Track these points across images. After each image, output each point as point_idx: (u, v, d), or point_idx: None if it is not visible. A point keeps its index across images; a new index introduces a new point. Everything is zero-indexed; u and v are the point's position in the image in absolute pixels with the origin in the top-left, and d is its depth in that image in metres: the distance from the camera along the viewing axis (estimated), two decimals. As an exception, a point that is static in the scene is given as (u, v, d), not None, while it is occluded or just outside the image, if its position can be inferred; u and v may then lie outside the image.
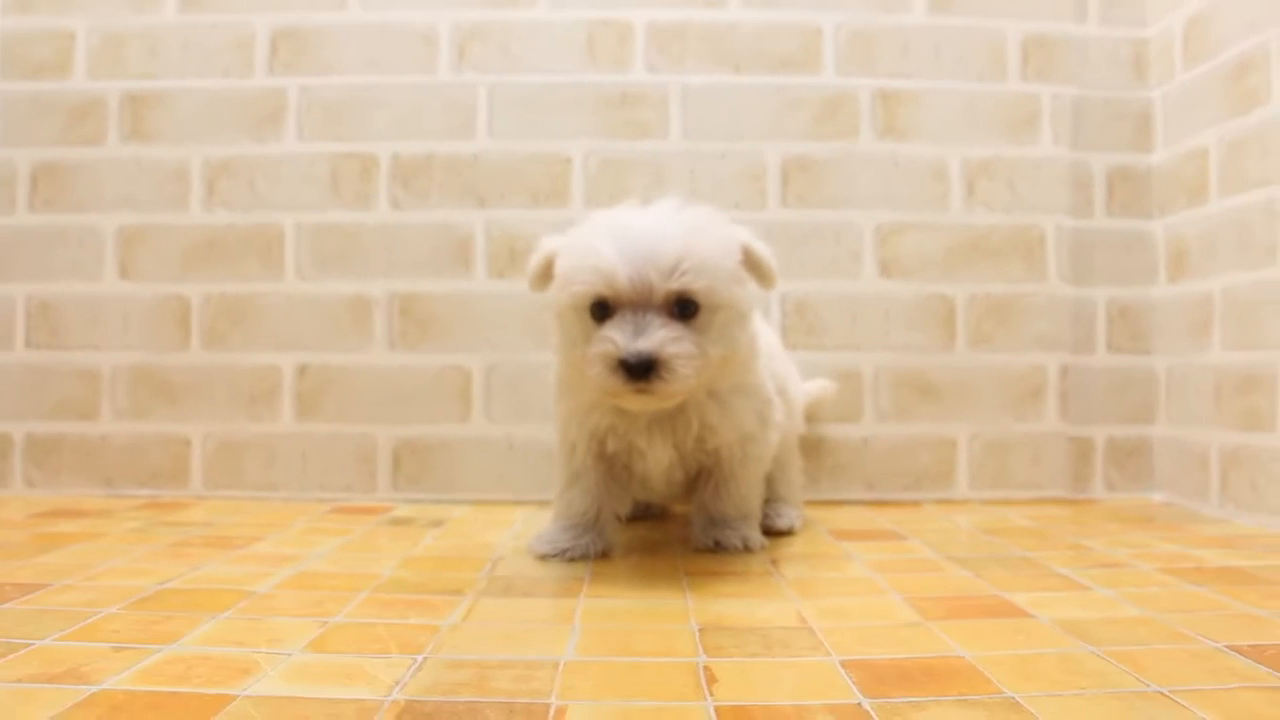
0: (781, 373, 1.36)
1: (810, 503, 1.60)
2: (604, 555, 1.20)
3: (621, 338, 1.02)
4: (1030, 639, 0.84)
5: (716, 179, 1.66)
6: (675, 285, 1.03)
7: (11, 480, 1.67)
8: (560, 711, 0.66)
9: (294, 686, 0.71)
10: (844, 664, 0.77)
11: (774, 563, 1.17)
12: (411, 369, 1.65)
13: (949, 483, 1.66)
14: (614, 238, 1.05)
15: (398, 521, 1.46)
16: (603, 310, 1.06)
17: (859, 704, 0.68)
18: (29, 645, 0.80)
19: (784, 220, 1.66)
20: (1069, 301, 1.68)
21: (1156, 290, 1.69)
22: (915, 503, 1.64)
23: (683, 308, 1.04)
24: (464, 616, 0.92)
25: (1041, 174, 1.69)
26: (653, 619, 0.92)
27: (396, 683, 0.72)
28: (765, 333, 1.34)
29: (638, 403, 1.07)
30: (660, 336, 1.02)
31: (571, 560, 1.18)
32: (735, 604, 0.98)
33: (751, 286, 1.15)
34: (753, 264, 1.13)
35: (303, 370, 1.66)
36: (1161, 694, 0.70)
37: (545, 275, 1.15)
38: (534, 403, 1.62)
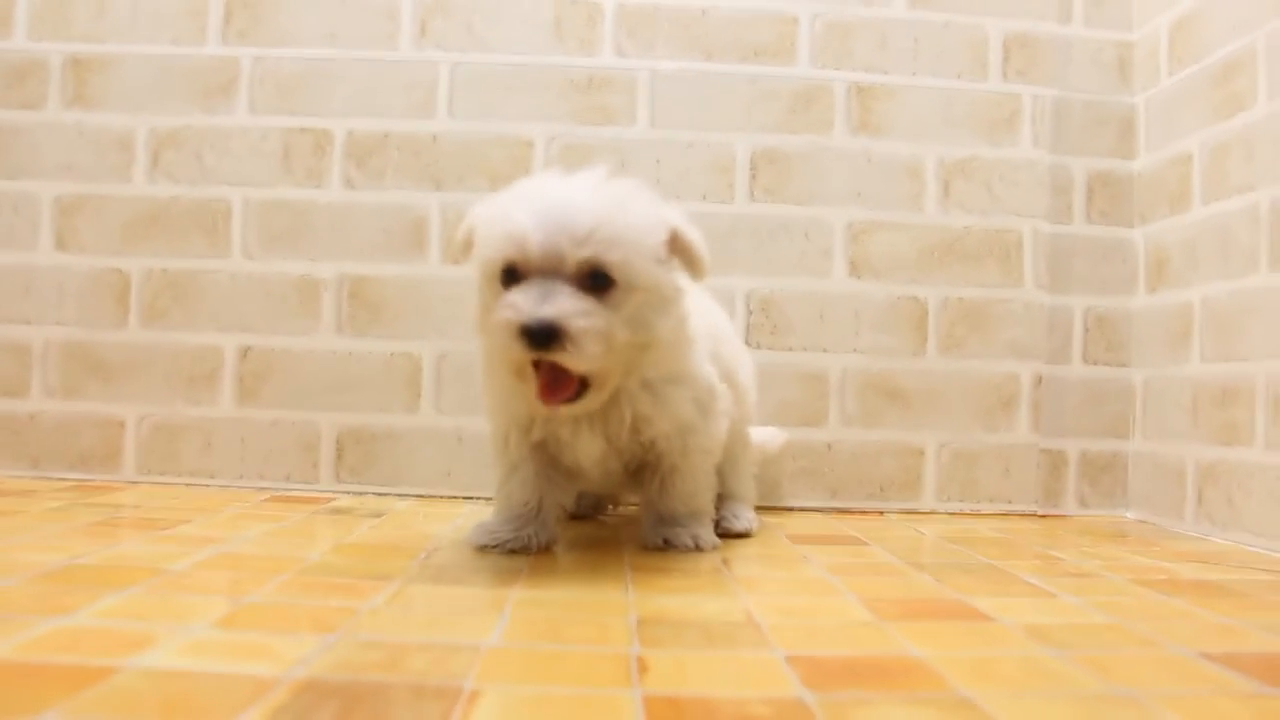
0: (729, 357, 1.27)
1: (769, 509, 1.54)
2: (546, 549, 1.13)
3: (525, 303, 0.94)
4: (989, 641, 0.79)
5: (683, 169, 1.60)
6: (587, 253, 0.95)
7: (-68, 458, 1.58)
8: (474, 695, 0.61)
9: (188, 661, 0.65)
10: (788, 659, 0.71)
11: (725, 562, 1.11)
12: (359, 355, 1.58)
13: (915, 493, 1.59)
14: (529, 203, 0.98)
15: (337, 511, 1.39)
16: (513, 278, 0.98)
17: (799, 698, 0.62)
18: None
19: (752, 214, 1.60)
20: (1045, 309, 1.63)
21: (1135, 300, 1.64)
22: (879, 512, 1.58)
23: (596, 280, 0.96)
24: (387, 601, 0.85)
25: (1020, 176, 1.63)
26: (589, 610, 0.86)
27: (300, 661, 0.66)
28: (711, 312, 1.29)
29: (548, 407, 1.01)
30: (566, 305, 0.94)
31: (511, 552, 1.11)
32: (679, 599, 0.92)
33: (681, 274, 1.07)
34: (680, 249, 1.05)
35: (245, 352, 1.58)
36: (1128, 697, 0.65)
37: (467, 247, 1.07)
38: (486, 395, 1.55)
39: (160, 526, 1.18)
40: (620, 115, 1.60)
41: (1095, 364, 1.64)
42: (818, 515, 1.54)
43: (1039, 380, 1.62)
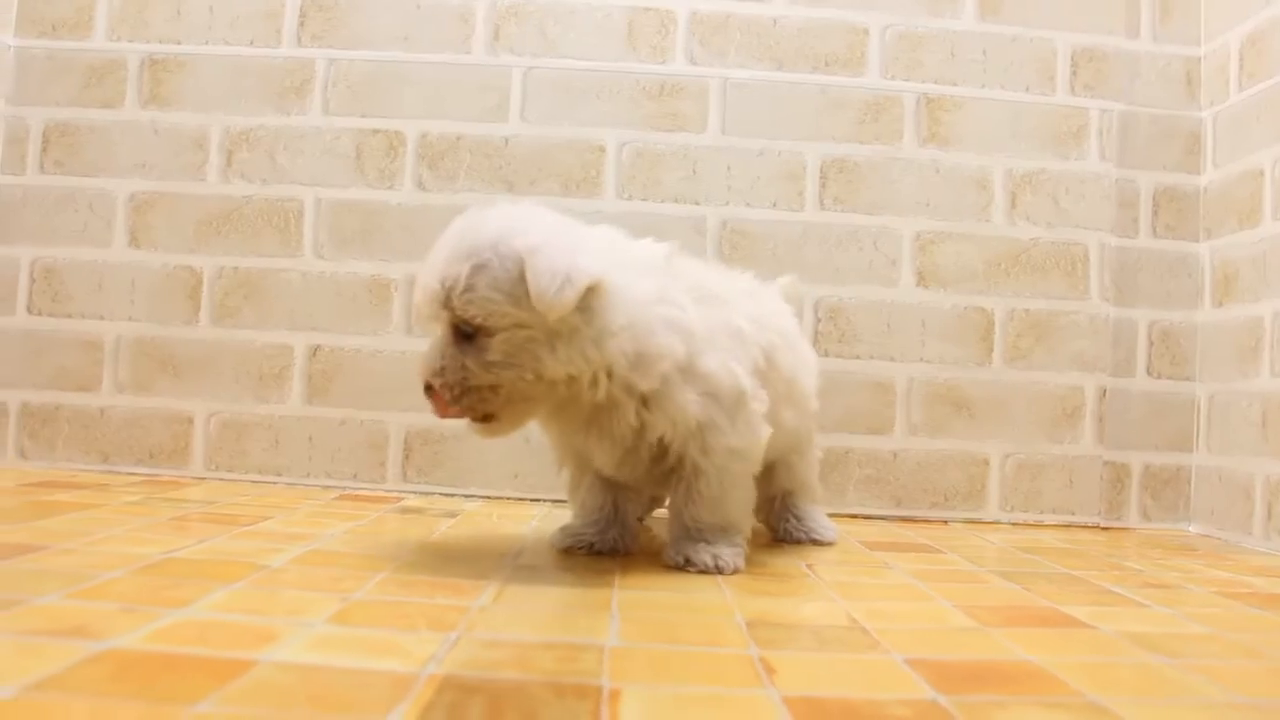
0: (787, 363, 1.19)
1: (837, 516, 1.55)
2: (627, 552, 1.14)
3: (422, 360, 1.01)
4: (1098, 649, 0.80)
5: (753, 176, 1.61)
6: (450, 314, 0.98)
7: (3, 450, 1.60)
8: (614, 693, 0.61)
9: (319, 655, 0.66)
10: (908, 662, 0.72)
11: (810, 566, 1.12)
12: (427, 356, 1.59)
13: (979, 502, 1.60)
14: (429, 256, 1.02)
15: (408, 510, 1.40)
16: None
17: (933, 700, 0.63)
18: (29, 601, 0.74)
19: (821, 222, 1.61)
20: (1110, 322, 1.63)
21: (1200, 314, 1.64)
22: (943, 521, 1.58)
23: (465, 329, 0.98)
24: (494, 600, 0.86)
25: (1087, 190, 1.64)
26: (693, 612, 0.87)
27: (430, 658, 0.67)
28: (774, 314, 1.23)
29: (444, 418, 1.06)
30: (435, 362, 0.99)
31: (596, 554, 1.12)
32: (778, 602, 0.93)
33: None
34: (528, 279, 0.96)
35: (315, 351, 1.60)
36: (1254, 707, 0.65)
37: None
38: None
39: (241, 522, 1.19)
40: (691, 122, 1.61)
41: (1159, 377, 1.64)
42: (883, 523, 1.54)
43: (1103, 393, 1.62)
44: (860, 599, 0.95)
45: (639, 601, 0.89)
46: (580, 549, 1.13)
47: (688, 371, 1.05)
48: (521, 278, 0.95)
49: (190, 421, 1.60)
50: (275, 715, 0.55)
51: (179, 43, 1.63)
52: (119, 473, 1.58)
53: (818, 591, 0.98)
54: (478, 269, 0.96)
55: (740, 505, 1.11)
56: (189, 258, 1.61)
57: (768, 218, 1.59)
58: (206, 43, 1.63)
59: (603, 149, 1.60)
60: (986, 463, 1.60)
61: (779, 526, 1.31)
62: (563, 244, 0.98)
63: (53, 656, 0.61)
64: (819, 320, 1.60)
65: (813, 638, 0.78)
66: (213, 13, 1.63)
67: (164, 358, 1.60)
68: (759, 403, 1.10)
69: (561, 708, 0.58)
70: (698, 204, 1.60)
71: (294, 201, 1.61)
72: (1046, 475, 1.61)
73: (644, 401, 1.04)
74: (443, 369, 0.98)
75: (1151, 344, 1.64)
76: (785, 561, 1.15)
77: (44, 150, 1.62)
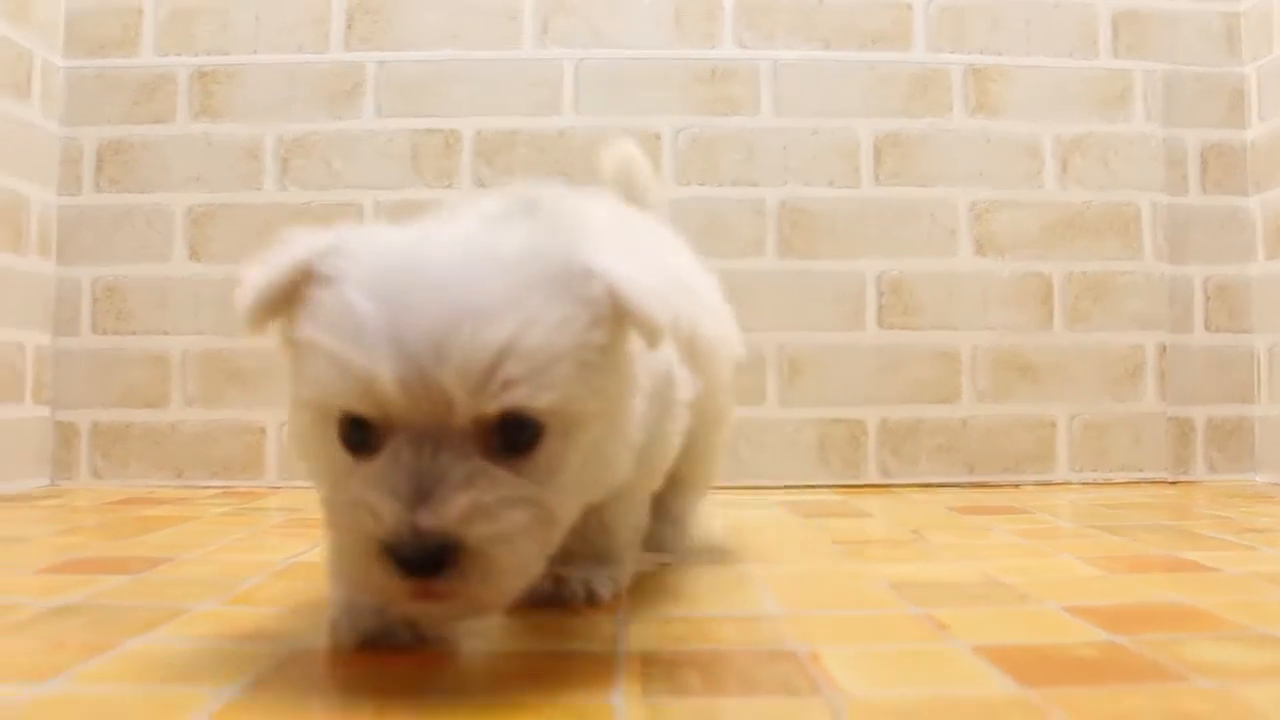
0: (707, 320, 0.88)
1: (910, 486, 1.57)
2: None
3: (389, 503, 0.52)
4: (1236, 589, 0.80)
5: (809, 155, 1.62)
6: (499, 405, 0.54)
7: (77, 471, 1.60)
8: (813, 655, 0.61)
9: (510, 642, 0.67)
10: (1066, 610, 0.73)
11: (914, 532, 1.13)
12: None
13: (1049, 464, 1.62)
14: (384, 304, 0.54)
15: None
16: (361, 433, 0.55)
17: (1111, 640, 0.64)
18: (192, 609, 0.73)
19: (878, 197, 1.62)
20: (1165, 279, 1.65)
21: (1254, 267, 1.66)
22: (1015, 485, 1.60)
23: (510, 435, 0.55)
24: (633, 580, 0.85)
25: (1135, 151, 1.66)
26: (834, 579, 0.88)
27: (614, 638, 0.67)
28: (666, 248, 0.94)
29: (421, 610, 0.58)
30: (462, 500, 0.53)
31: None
32: (909, 565, 0.93)
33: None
34: (626, 315, 0.59)
35: (382, 354, 1.60)
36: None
37: (280, 304, 0.60)
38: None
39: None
40: (745, 105, 1.63)
41: (1217, 331, 1.66)
42: (958, 490, 1.56)
43: (1163, 349, 1.64)
44: (982, 558, 0.96)
45: (776, 577, 0.89)
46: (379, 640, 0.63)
47: None
48: (598, 317, 0.58)
49: (262, 431, 1.60)
50: (510, 692, 0.56)
51: (227, 54, 1.64)
52: (194, 486, 1.59)
53: (938, 554, 0.99)
54: (553, 315, 0.55)
55: (636, 524, 0.84)
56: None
57: (826, 195, 1.60)
58: (255, 52, 1.63)
59: (658, 136, 1.61)
60: (1054, 425, 1.62)
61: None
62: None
63: (252, 658, 0.61)
64: (881, 294, 1.62)
65: (962, 595, 0.79)
66: (259, 21, 1.64)
67: (232, 369, 1.61)
68: (683, 385, 0.78)
69: (774, 670, 0.59)
70: (755, 185, 1.62)
71: (353, 205, 1.61)
72: (1112, 434, 1.63)
73: None
74: (476, 505, 0.53)
75: (1208, 299, 1.66)
76: (888, 529, 1.16)
77: (99, 169, 1.63)
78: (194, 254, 1.62)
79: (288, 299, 0.58)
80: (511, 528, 0.54)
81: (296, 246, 0.59)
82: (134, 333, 1.62)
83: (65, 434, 1.61)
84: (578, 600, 0.76)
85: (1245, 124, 1.68)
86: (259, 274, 0.59)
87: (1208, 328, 1.66)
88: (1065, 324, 1.63)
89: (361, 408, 0.54)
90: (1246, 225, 1.67)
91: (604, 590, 0.77)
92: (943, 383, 1.61)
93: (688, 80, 1.63)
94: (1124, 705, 0.51)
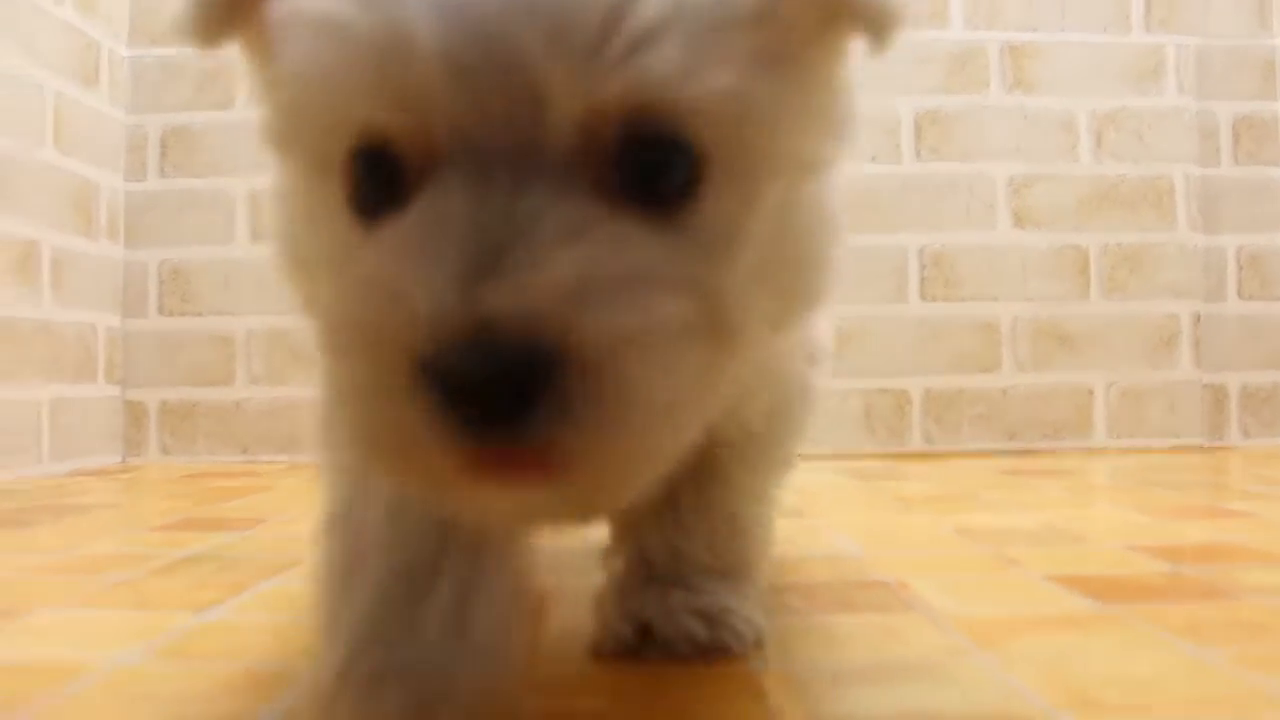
0: None
1: (954, 453, 1.61)
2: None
3: (431, 274, 0.28)
4: None
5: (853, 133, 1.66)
6: (625, 87, 0.30)
7: (146, 448, 1.66)
8: (901, 584, 0.66)
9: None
10: (1127, 548, 0.77)
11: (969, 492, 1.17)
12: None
13: (1087, 431, 1.66)
14: None
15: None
16: (380, 177, 0.32)
17: (1177, 570, 0.68)
18: (304, 559, 0.79)
19: (920, 173, 1.67)
20: (1199, 250, 1.69)
21: (1286, 237, 1.71)
22: (1054, 452, 1.64)
23: (647, 166, 0.31)
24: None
25: (1168, 124, 1.70)
26: (906, 528, 0.93)
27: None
28: None
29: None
30: (569, 262, 0.28)
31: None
32: (969, 515, 0.98)
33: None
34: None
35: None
36: None
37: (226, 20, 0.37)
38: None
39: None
40: (788, 85, 1.67)
41: (1251, 299, 1.70)
42: (1000, 457, 1.60)
43: (1198, 318, 1.69)
44: (1037, 509, 1.01)
45: (850, 524, 0.93)
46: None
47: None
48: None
49: (324, 407, 1.66)
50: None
51: (285, 43, 1.68)
52: (260, 461, 1.65)
53: (995, 507, 1.04)
54: None
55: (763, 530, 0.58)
56: (310, 249, 1.67)
57: (869, 171, 1.65)
58: (311, 41, 1.68)
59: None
60: (1091, 393, 1.67)
61: None
62: None
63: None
64: (924, 267, 1.66)
65: (1027, 538, 0.84)
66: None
67: (295, 347, 1.66)
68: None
69: (871, 595, 0.64)
70: (800, 162, 1.65)
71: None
72: (1149, 401, 1.67)
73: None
74: (598, 263, 0.29)
75: (1241, 268, 1.70)
76: (943, 488, 1.21)
77: (163, 155, 1.68)
78: (256, 236, 1.67)
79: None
80: (661, 321, 0.30)
81: None
82: (199, 314, 1.67)
83: (135, 412, 1.67)
84: (688, 653, 0.50)
85: (1277, 96, 1.72)
86: None
87: (1241, 296, 1.70)
88: (1102, 294, 1.67)
89: (382, 112, 0.30)
90: (1279, 195, 1.71)
91: (749, 629, 0.51)
92: (983, 353, 1.66)
93: (732, 61, 1.67)
94: (1196, 618, 0.56)
